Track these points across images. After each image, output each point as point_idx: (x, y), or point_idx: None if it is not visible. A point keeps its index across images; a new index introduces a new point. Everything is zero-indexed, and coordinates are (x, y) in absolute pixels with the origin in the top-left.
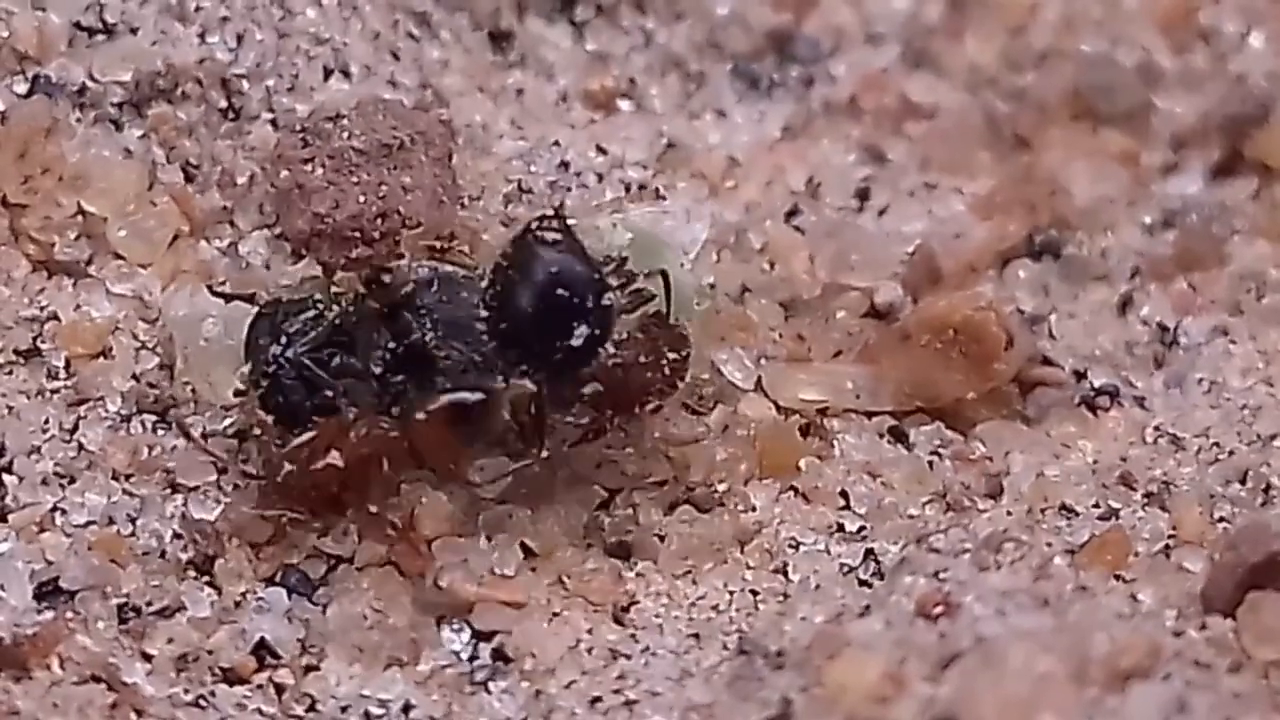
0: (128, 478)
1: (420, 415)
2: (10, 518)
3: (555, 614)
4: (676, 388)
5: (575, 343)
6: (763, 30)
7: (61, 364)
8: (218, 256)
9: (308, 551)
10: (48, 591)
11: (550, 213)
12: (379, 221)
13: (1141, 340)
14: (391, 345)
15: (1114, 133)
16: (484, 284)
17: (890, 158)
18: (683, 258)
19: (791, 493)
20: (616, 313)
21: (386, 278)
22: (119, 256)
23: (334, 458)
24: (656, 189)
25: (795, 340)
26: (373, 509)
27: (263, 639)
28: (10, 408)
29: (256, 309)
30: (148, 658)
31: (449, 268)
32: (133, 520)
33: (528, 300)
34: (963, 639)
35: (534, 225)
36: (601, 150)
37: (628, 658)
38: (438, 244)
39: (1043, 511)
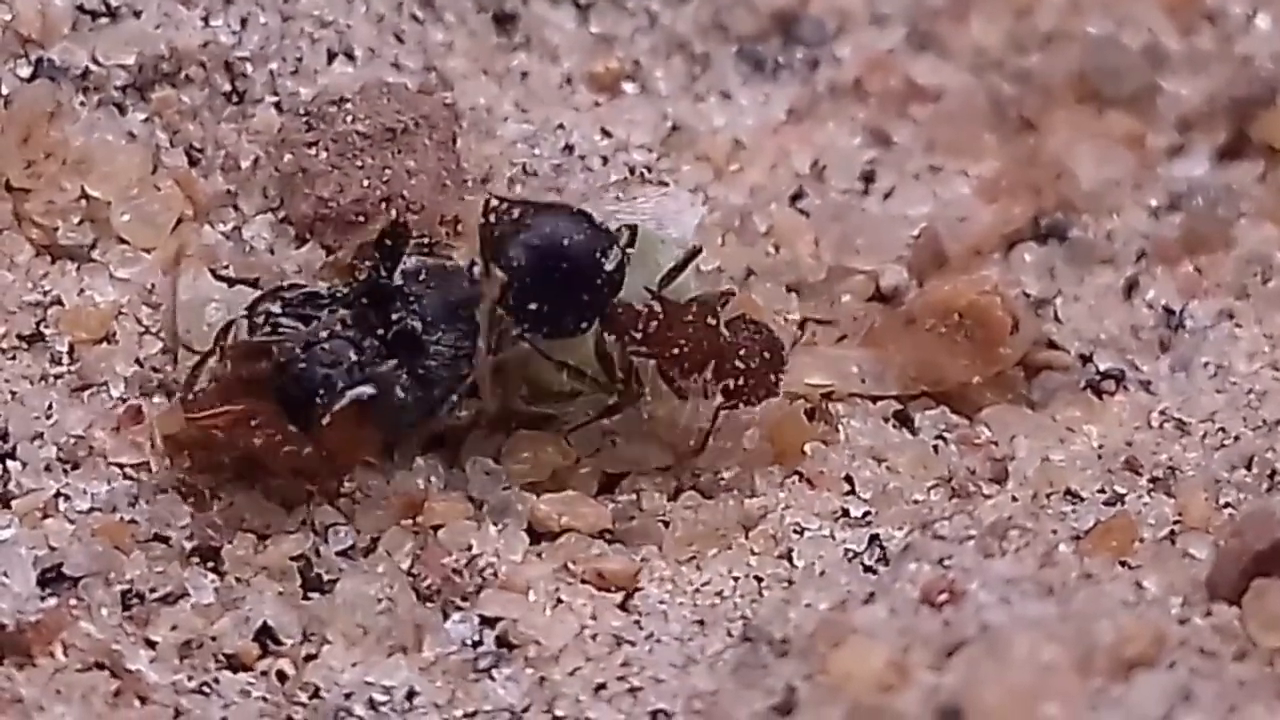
0: (131, 464)
1: (325, 420)
2: (13, 504)
3: (559, 600)
4: (771, 392)
5: (611, 266)
6: (768, 12)
7: (65, 349)
8: (221, 240)
9: (311, 537)
10: (51, 578)
11: (490, 198)
12: (383, 205)
13: (1147, 324)
14: (382, 331)
15: (1120, 115)
16: (495, 287)
17: (895, 140)
18: (675, 252)
19: (796, 478)
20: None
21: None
22: (122, 241)
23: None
24: (643, 174)
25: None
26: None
27: (266, 625)
28: (14, 393)
29: (260, 292)
30: (151, 644)
31: (437, 259)
32: (135, 506)
33: (553, 272)
34: (967, 627)
35: (491, 215)
36: (606, 133)
37: (632, 644)
38: (427, 237)
39: (1048, 497)
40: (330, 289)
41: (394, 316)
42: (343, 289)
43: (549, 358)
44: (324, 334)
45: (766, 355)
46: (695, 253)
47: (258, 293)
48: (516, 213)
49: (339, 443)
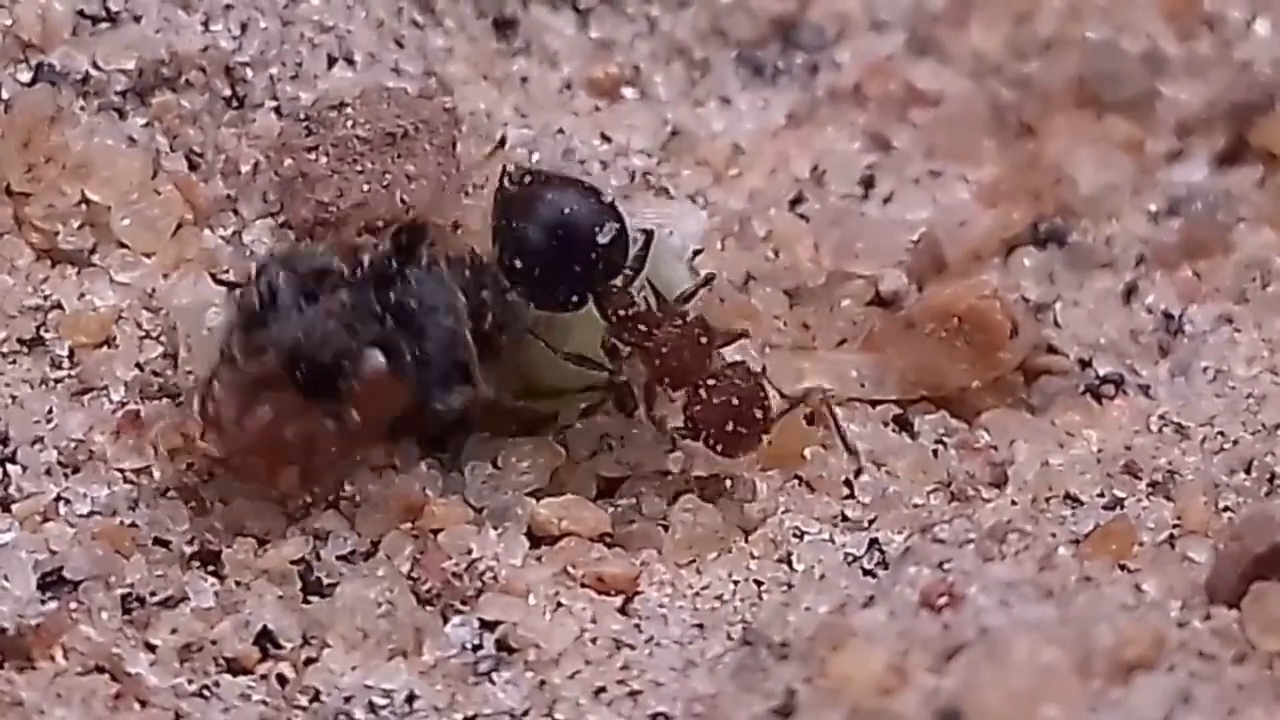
0: (131, 468)
1: (356, 386)
2: (14, 508)
3: (559, 604)
4: (732, 449)
5: (605, 239)
6: (767, 17)
7: (65, 353)
8: (221, 245)
9: (311, 541)
10: (51, 582)
11: (510, 167)
12: (383, 210)
13: (1146, 328)
14: (379, 312)
15: (1119, 120)
16: (495, 257)
17: (895, 145)
18: (679, 263)
19: (796, 482)
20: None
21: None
22: (123, 245)
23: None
24: (645, 179)
25: (800, 329)
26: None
27: (266, 629)
28: (14, 397)
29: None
30: (151, 648)
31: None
32: (136, 510)
33: (550, 239)
34: (967, 630)
35: (504, 180)
36: (606, 138)
37: (632, 648)
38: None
39: (1047, 501)
40: (335, 265)
41: (393, 299)
42: (345, 267)
43: (547, 343)
44: (326, 316)
45: (744, 407)
46: (708, 280)
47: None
48: (528, 180)
49: (373, 405)
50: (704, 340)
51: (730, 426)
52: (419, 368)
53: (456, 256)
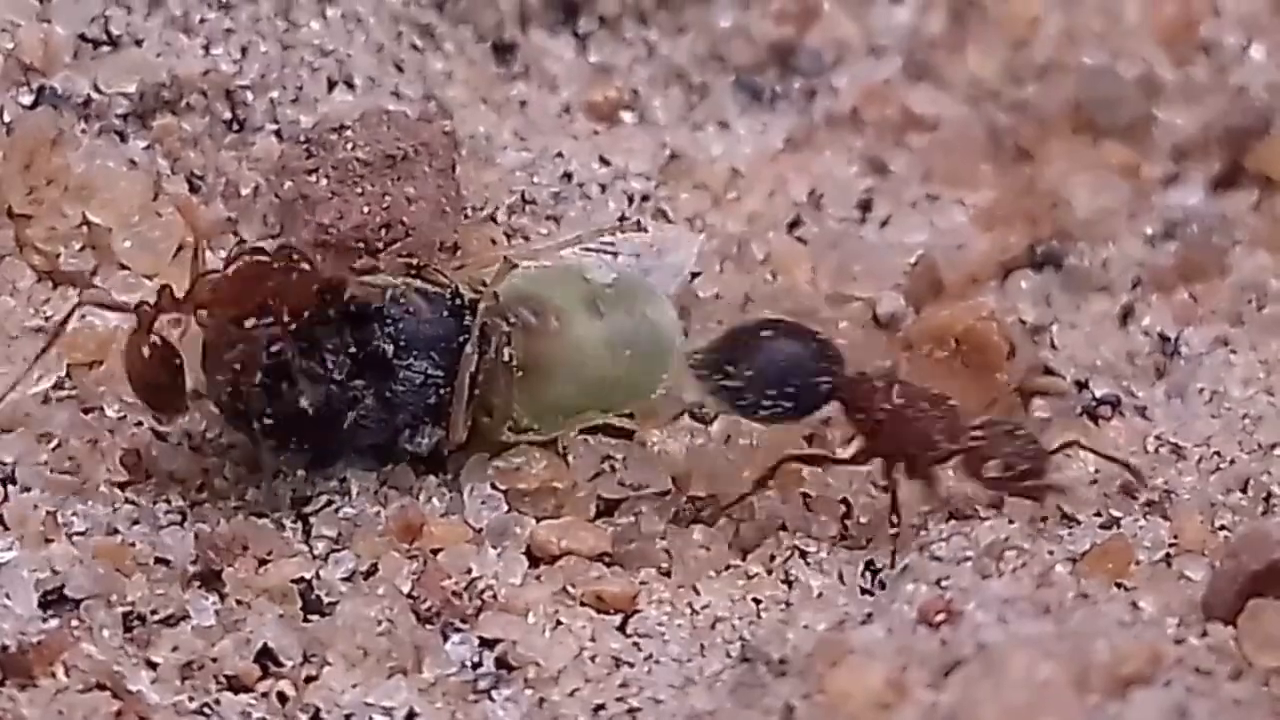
0: (132, 487)
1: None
2: (15, 527)
3: (559, 622)
4: None
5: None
6: (765, 43)
7: (65, 373)
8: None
9: (312, 560)
10: (53, 600)
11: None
12: (382, 232)
13: (1143, 350)
14: (353, 351)
15: (1115, 145)
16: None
17: (892, 169)
18: (664, 300)
19: (795, 501)
20: None
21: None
22: (124, 267)
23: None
24: (637, 221)
25: None
26: None
27: (266, 647)
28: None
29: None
30: (152, 666)
31: (422, 284)
32: (136, 529)
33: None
34: (964, 646)
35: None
36: (605, 161)
37: (631, 665)
38: (415, 260)
39: (1044, 520)
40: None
41: (367, 338)
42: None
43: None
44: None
45: None
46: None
47: None
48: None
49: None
50: None
51: None
52: (387, 408)
53: (438, 294)
